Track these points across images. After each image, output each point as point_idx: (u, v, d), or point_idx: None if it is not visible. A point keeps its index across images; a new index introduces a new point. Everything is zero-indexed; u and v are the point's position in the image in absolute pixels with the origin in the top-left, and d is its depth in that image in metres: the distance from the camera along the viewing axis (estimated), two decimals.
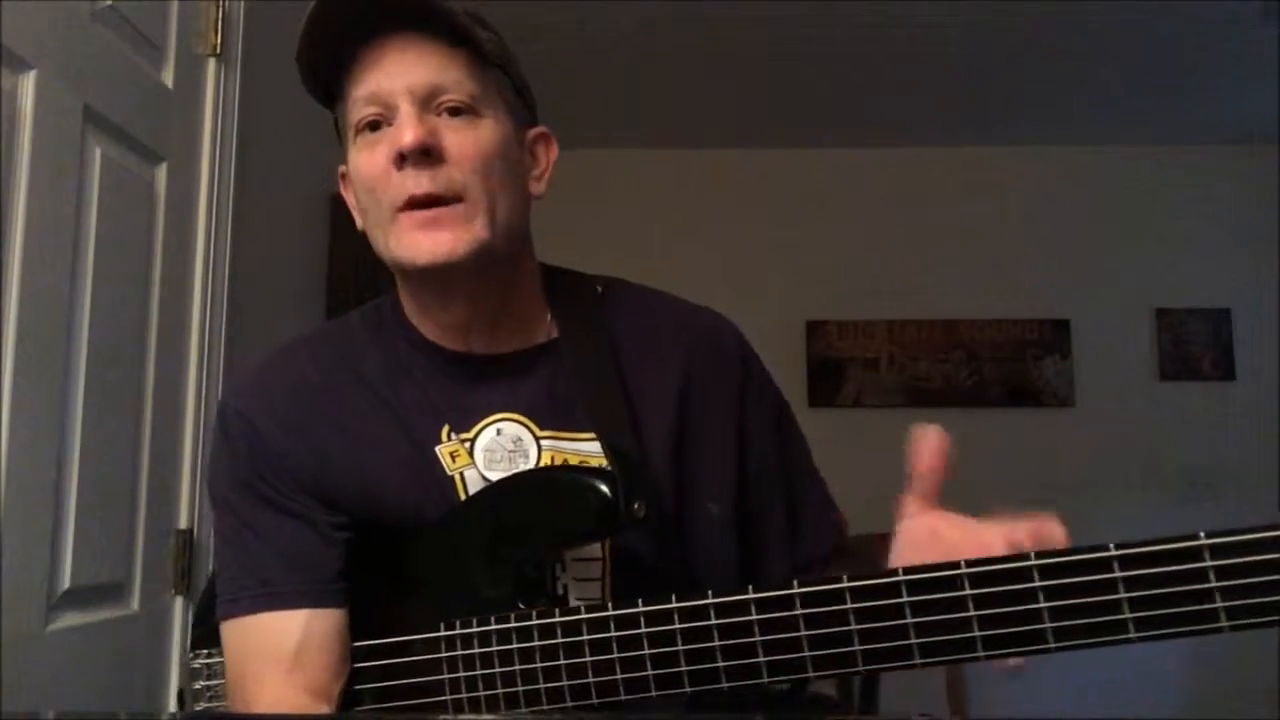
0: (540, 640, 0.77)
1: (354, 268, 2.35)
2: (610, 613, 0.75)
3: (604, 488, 0.80)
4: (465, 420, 0.89)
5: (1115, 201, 4.10)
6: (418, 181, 0.82)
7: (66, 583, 1.33)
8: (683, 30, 3.15)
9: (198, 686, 0.95)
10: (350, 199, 0.93)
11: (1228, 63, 3.34)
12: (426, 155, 0.82)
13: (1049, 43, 3.24)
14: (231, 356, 1.75)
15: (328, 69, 0.88)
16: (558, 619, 0.77)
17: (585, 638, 0.76)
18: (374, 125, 0.85)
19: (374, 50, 0.85)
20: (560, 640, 0.76)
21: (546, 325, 0.94)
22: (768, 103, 3.77)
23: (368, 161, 0.86)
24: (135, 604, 1.50)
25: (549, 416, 0.90)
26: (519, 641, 0.78)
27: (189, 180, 1.68)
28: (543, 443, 0.89)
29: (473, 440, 0.89)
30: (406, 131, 0.82)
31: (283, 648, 0.83)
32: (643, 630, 0.74)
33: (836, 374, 4.06)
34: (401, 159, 0.83)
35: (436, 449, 0.89)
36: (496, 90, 0.88)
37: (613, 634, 0.75)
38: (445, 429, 0.89)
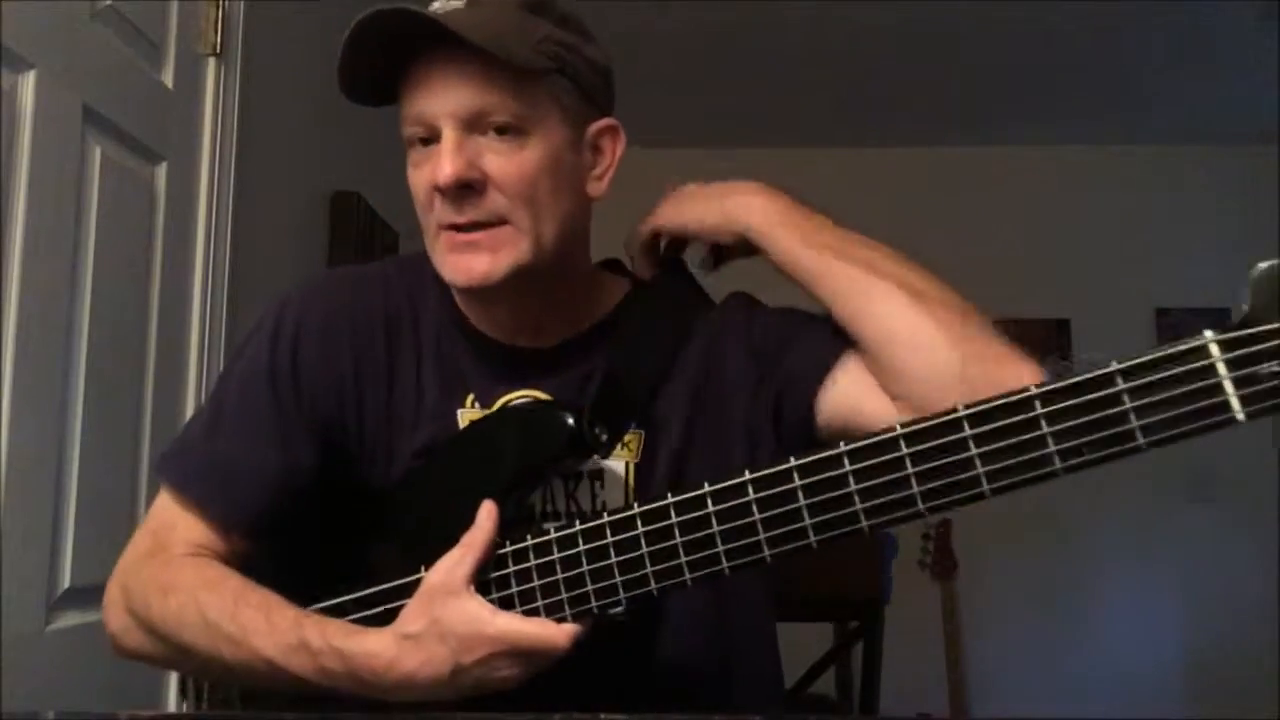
0: (515, 566, 0.80)
1: None
2: (579, 527, 0.78)
3: (564, 413, 0.83)
4: (490, 394, 0.92)
5: (1115, 201, 4.11)
6: (459, 212, 0.83)
7: (66, 583, 1.34)
8: (682, 30, 3.15)
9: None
10: None
11: (1228, 63, 3.34)
12: (466, 188, 0.82)
13: (1049, 43, 3.24)
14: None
15: (373, 87, 0.87)
16: (529, 542, 0.80)
17: (556, 556, 0.79)
18: (425, 140, 0.85)
19: (419, 67, 0.84)
20: (533, 563, 0.79)
21: (592, 315, 0.95)
22: (767, 102, 3.77)
23: (417, 179, 0.86)
24: None
25: (572, 396, 0.91)
26: (495, 570, 0.80)
27: (189, 180, 1.68)
28: None
29: None
30: (445, 165, 0.82)
31: (194, 541, 0.88)
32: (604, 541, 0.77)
33: None
34: (442, 191, 0.83)
35: (459, 412, 0.91)
36: (549, 99, 0.85)
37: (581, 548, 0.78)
38: (470, 397, 0.92)
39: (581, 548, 0.77)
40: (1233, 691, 3.62)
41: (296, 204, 2.20)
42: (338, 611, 0.84)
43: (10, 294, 1.23)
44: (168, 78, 1.63)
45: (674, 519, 0.74)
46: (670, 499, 0.75)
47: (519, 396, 0.91)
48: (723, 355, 0.93)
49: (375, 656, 0.76)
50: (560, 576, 0.78)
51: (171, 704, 1.55)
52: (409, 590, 0.80)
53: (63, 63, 1.34)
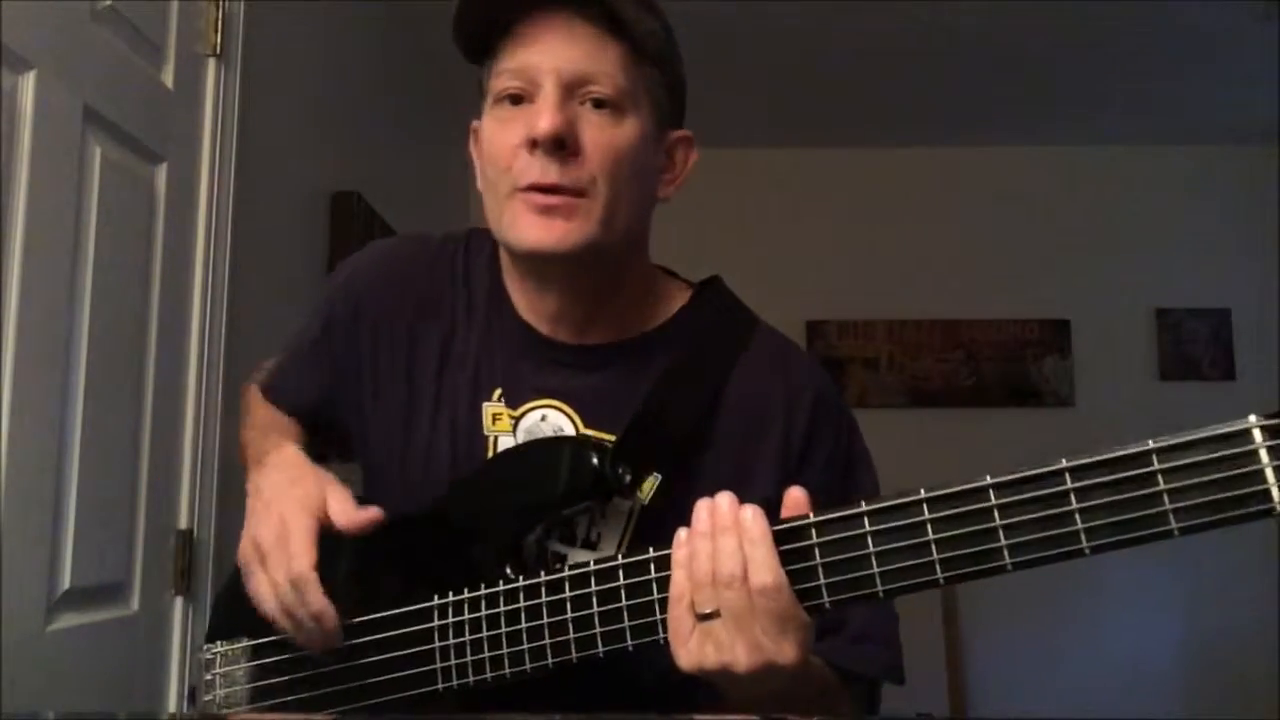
0: (526, 601, 0.79)
1: None
2: (591, 568, 0.76)
3: (588, 450, 0.82)
4: (518, 395, 0.90)
5: (1115, 201, 4.11)
6: (546, 170, 0.81)
7: (66, 583, 1.33)
8: (682, 29, 3.15)
9: (209, 677, 0.95)
10: (477, 159, 0.92)
11: (1228, 63, 3.34)
12: (560, 146, 0.81)
13: (1049, 42, 3.24)
14: (231, 356, 1.76)
15: (483, 31, 0.86)
16: (539, 580, 0.78)
17: (566, 596, 0.77)
18: (515, 99, 0.84)
19: (532, 23, 0.83)
20: (543, 600, 0.78)
21: (642, 324, 0.93)
22: (767, 102, 3.77)
23: (500, 136, 0.84)
24: (135, 604, 1.50)
25: (597, 413, 0.89)
26: (506, 605, 0.79)
27: (189, 180, 1.68)
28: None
29: (518, 419, 0.90)
30: (544, 118, 0.80)
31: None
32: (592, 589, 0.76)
33: (837, 374, 4.06)
34: (534, 144, 0.81)
35: (485, 405, 0.91)
36: (645, 88, 0.86)
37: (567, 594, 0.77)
38: (498, 391, 0.91)
39: (594, 589, 0.76)
40: (1232, 691, 3.63)
41: (296, 204, 2.20)
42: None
43: (10, 294, 1.23)
44: (168, 78, 1.63)
45: (653, 574, 0.73)
46: (651, 553, 0.74)
47: (545, 406, 0.90)
48: (768, 423, 0.90)
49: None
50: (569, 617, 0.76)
51: (171, 704, 1.55)
52: (427, 615, 0.81)
53: (63, 63, 1.34)
